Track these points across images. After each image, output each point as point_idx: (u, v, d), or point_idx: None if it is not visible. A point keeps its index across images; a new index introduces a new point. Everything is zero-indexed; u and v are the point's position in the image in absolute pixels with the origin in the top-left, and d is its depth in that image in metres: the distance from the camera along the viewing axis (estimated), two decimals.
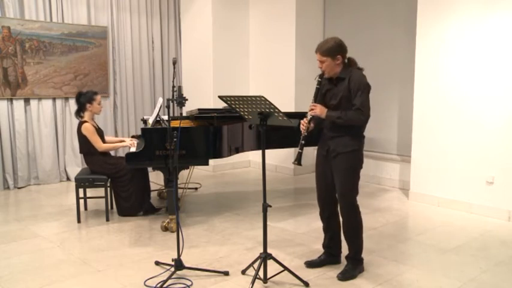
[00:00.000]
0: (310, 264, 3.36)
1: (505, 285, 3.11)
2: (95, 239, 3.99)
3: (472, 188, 4.74)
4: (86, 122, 4.50)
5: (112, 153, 5.16)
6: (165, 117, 4.57)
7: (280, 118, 2.95)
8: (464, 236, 4.08)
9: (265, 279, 3.05)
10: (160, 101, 4.74)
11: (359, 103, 2.99)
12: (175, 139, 3.17)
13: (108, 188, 4.54)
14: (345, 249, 3.31)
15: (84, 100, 4.53)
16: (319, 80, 3.11)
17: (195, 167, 5.57)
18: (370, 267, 3.35)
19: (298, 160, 3.07)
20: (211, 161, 4.49)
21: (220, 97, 3.10)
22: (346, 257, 3.27)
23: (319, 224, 3.42)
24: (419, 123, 5.15)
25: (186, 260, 3.27)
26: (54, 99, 6.18)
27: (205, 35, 6.85)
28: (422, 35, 5.03)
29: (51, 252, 3.69)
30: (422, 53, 5.06)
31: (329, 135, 3.13)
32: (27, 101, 5.96)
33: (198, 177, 6.35)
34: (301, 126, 3.09)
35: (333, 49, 3.01)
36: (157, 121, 4.65)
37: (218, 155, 4.31)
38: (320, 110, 3.05)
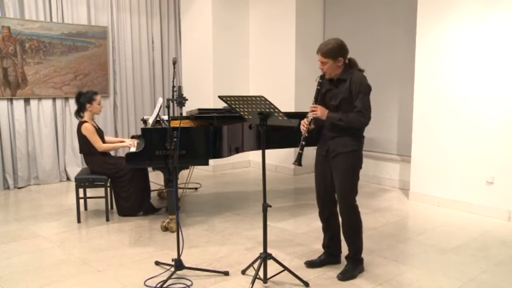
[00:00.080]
0: (310, 264, 3.36)
1: (505, 285, 3.11)
2: (95, 239, 3.99)
3: (472, 188, 4.74)
4: (85, 122, 4.50)
5: (112, 153, 5.16)
6: (165, 117, 4.57)
7: (280, 118, 2.95)
8: (464, 236, 4.08)
9: (265, 279, 3.05)
10: (160, 101, 4.74)
11: (360, 105, 2.99)
12: (175, 139, 3.17)
13: (108, 188, 4.54)
14: (344, 249, 3.31)
15: (84, 100, 4.53)
16: (320, 81, 3.10)
17: (195, 167, 5.57)
18: (370, 267, 3.35)
19: (298, 161, 3.07)
20: (211, 161, 4.49)
21: (220, 97, 3.10)
22: (346, 257, 3.27)
23: (319, 224, 3.41)
24: (419, 123, 5.15)
25: (186, 260, 3.27)
26: (54, 99, 6.18)
27: (205, 35, 6.85)
28: (422, 35, 5.03)
29: (51, 252, 3.69)
30: (422, 53, 5.06)
31: (329, 136, 3.13)
32: (27, 101, 5.96)
33: (198, 177, 6.35)
34: (302, 127, 3.09)
35: (335, 51, 3.00)
36: (157, 121, 4.65)
37: (218, 155, 4.31)
38: (321, 112, 3.04)
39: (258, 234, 3.91)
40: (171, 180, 4.03)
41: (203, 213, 4.78)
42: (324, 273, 3.26)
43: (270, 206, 3.08)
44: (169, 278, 3.07)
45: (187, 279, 3.13)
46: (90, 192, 4.83)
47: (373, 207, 4.95)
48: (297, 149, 3.11)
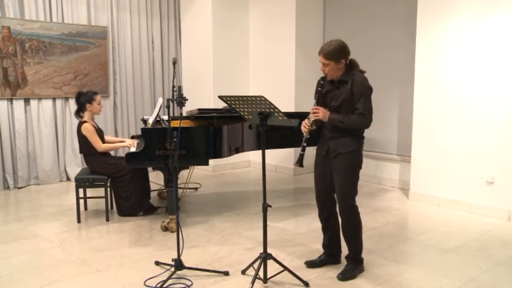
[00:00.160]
0: (310, 264, 3.36)
1: (505, 285, 3.11)
2: (95, 239, 3.99)
3: (472, 188, 4.74)
4: (85, 122, 4.50)
5: (112, 153, 5.16)
6: (165, 117, 4.57)
7: (280, 118, 2.94)
8: (464, 236, 4.08)
9: (265, 279, 3.05)
10: (160, 101, 4.74)
11: (362, 108, 2.99)
12: (175, 139, 3.17)
13: (108, 188, 4.54)
14: (344, 249, 3.31)
15: (84, 100, 4.53)
16: (322, 82, 3.09)
17: (195, 167, 5.57)
18: (370, 267, 3.35)
19: (300, 162, 3.06)
20: (211, 161, 4.49)
21: (220, 97, 3.10)
22: (346, 257, 3.27)
23: (319, 224, 3.41)
24: (419, 123, 5.15)
25: (186, 260, 3.27)
26: (54, 99, 6.18)
27: (205, 35, 6.85)
28: (422, 35, 5.03)
29: (51, 252, 3.69)
30: (422, 53, 5.06)
31: (329, 136, 3.13)
32: (27, 101, 5.96)
33: (198, 177, 6.35)
34: (303, 128, 3.08)
35: (337, 53, 2.99)
36: (157, 121, 4.65)
37: (218, 155, 4.31)
38: (323, 114, 3.03)
39: (258, 234, 3.91)
40: (171, 180, 4.03)
41: (203, 213, 4.78)
42: (324, 273, 3.26)
43: (270, 206, 3.08)
44: (169, 278, 3.07)
45: (187, 279, 3.13)
46: (90, 192, 4.83)
47: (373, 207, 4.95)
48: (297, 149, 3.10)
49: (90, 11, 6.44)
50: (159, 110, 4.66)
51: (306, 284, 3.04)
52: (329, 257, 3.39)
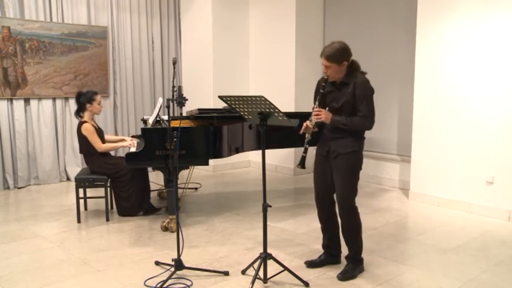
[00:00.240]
0: (310, 264, 3.36)
1: (505, 285, 3.11)
2: (95, 239, 3.99)
3: (472, 188, 4.74)
4: (85, 122, 4.50)
5: (112, 153, 5.16)
6: (165, 117, 4.57)
7: (280, 118, 2.94)
8: (464, 236, 4.08)
9: (265, 279, 3.05)
10: (160, 101, 4.74)
11: (366, 111, 2.99)
12: (175, 139, 3.17)
13: (108, 188, 4.54)
14: (344, 249, 3.31)
15: (84, 100, 4.53)
16: (323, 84, 3.08)
17: (195, 167, 5.57)
18: (370, 267, 3.35)
19: (302, 164, 3.06)
20: (211, 161, 4.49)
21: (220, 97, 3.10)
22: (346, 257, 3.27)
23: (319, 224, 3.41)
24: (419, 123, 5.15)
25: (186, 260, 3.27)
26: (54, 99, 6.18)
27: (205, 35, 6.85)
28: (422, 35, 5.03)
29: (51, 252, 3.69)
30: (422, 53, 5.06)
31: (330, 136, 3.12)
32: (27, 101, 5.96)
33: (198, 177, 6.35)
34: (304, 129, 3.07)
35: (339, 55, 2.97)
36: (157, 121, 4.65)
37: (218, 155, 4.31)
38: (325, 116, 3.02)
39: (258, 234, 3.91)
40: (171, 180, 4.03)
41: (203, 213, 4.78)
42: (324, 273, 3.26)
43: (270, 206, 3.08)
44: (169, 278, 3.07)
45: (187, 279, 3.13)
46: (90, 192, 4.83)
47: (373, 207, 4.95)
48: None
49: (90, 11, 6.44)
50: (159, 110, 4.66)
51: (306, 284, 3.04)
52: (329, 257, 3.38)
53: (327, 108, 3.07)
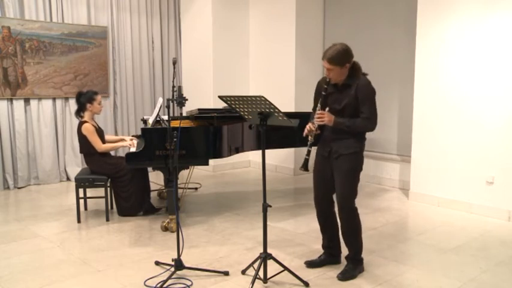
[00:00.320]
0: (310, 264, 3.36)
1: (505, 285, 3.11)
2: (95, 239, 3.99)
3: (472, 188, 4.74)
4: (86, 122, 4.50)
5: (112, 153, 5.16)
6: (165, 117, 4.57)
7: (280, 118, 2.94)
8: (464, 236, 4.08)
9: (265, 279, 3.05)
10: (160, 101, 4.74)
11: (368, 113, 3.00)
12: (175, 139, 3.17)
13: (108, 188, 4.54)
14: (344, 249, 3.31)
15: (84, 100, 4.53)
16: (325, 86, 3.07)
17: (195, 167, 5.57)
18: (370, 267, 3.35)
19: (305, 166, 3.07)
20: (211, 161, 4.49)
21: (220, 97, 3.10)
22: (346, 257, 3.27)
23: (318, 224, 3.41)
24: (419, 123, 5.15)
25: (186, 260, 3.27)
26: (54, 99, 6.18)
27: (205, 35, 6.85)
28: (422, 35, 5.03)
29: (51, 252, 3.69)
30: (422, 53, 5.06)
31: (331, 137, 3.12)
32: (27, 101, 5.96)
33: (198, 177, 6.35)
34: (307, 131, 3.07)
35: (341, 57, 2.96)
36: (157, 121, 4.65)
37: (218, 155, 4.31)
38: (328, 119, 3.01)
39: (258, 234, 3.91)
40: (171, 180, 4.03)
41: (203, 213, 4.78)
42: (324, 273, 3.26)
43: (270, 206, 3.08)
44: (169, 278, 3.07)
45: (187, 279, 3.13)
46: (90, 192, 4.83)
47: (373, 207, 4.95)
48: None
49: (90, 11, 6.43)
50: (159, 110, 4.66)
51: (306, 284, 3.05)
52: (329, 257, 3.38)
53: (327, 109, 3.07)
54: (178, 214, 3.36)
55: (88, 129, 4.44)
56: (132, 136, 5.06)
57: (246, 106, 3.03)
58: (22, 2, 5.82)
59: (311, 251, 3.65)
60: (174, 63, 3.45)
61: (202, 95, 6.83)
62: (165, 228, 4.15)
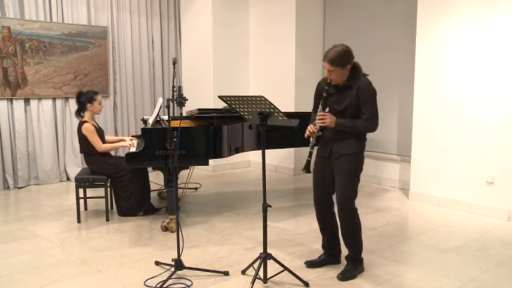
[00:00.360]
0: (310, 264, 3.36)
1: (505, 285, 3.11)
2: (95, 239, 3.99)
3: (472, 188, 4.74)
4: (86, 122, 4.50)
5: (112, 153, 5.16)
6: (165, 117, 4.57)
7: (280, 118, 2.94)
8: (464, 236, 4.08)
9: (265, 279, 3.05)
10: (160, 101, 4.74)
11: (370, 114, 3.00)
12: (175, 139, 3.17)
13: (108, 188, 4.54)
14: (344, 249, 3.31)
15: (84, 100, 4.53)
16: (327, 88, 3.07)
17: (195, 167, 5.57)
18: (370, 267, 3.35)
19: (306, 168, 3.07)
20: (211, 161, 4.49)
21: (220, 97, 3.10)
22: (346, 257, 3.27)
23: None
24: (419, 123, 5.15)
25: (186, 260, 3.27)
26: (54, 99, 6.18)
27: (205, 35, 6.85)
28: (422, 35, 5.03)
29: (51, 252, 3.69)
30: (422, 53, 5.06)
31: (332, 138, 3.11)
32: (27, 101, 5.96)
33: (198, 177, 6.35)
34: (308, 133, 3.06)
35: (342, 58, 2.96)
36: (157, 121, 4.65)
37: (218, 155, 4.31)
38: (330, 120, 3.01)
39: (258, 234, 3.91)
40: (171, 180, 4.03)
41: (203, 213, 4.78)
42: (324, 273, 3.26)
43: (270, 206, 3.08)
44: (169, 278, 3.07)
45: (187, 279, 3.13)
46: (90, 192, 4.83)
47: (373, 207, 4.95)
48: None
49: (90, 11, 6.43)
50: (159, 110, 4.66)
51: (306, 284, 3.05)
52: (329, 257, 3.38)
53: (328, 110, 3.07)
54: (178, 214, 3.36)
55: (88, 129, 4.44)
56: (132, 136, 5.06)
57: (246, 106, 3.03)
58: (22, 2, 5.82)
59: (311, 251, 3.65)
60: (174, 63, 3.45)
61: (202, 95, 6.83)
62: (165, 228, 4.15)
